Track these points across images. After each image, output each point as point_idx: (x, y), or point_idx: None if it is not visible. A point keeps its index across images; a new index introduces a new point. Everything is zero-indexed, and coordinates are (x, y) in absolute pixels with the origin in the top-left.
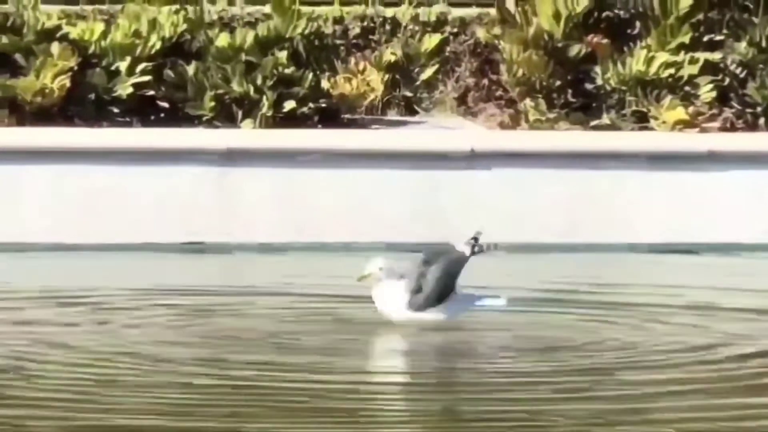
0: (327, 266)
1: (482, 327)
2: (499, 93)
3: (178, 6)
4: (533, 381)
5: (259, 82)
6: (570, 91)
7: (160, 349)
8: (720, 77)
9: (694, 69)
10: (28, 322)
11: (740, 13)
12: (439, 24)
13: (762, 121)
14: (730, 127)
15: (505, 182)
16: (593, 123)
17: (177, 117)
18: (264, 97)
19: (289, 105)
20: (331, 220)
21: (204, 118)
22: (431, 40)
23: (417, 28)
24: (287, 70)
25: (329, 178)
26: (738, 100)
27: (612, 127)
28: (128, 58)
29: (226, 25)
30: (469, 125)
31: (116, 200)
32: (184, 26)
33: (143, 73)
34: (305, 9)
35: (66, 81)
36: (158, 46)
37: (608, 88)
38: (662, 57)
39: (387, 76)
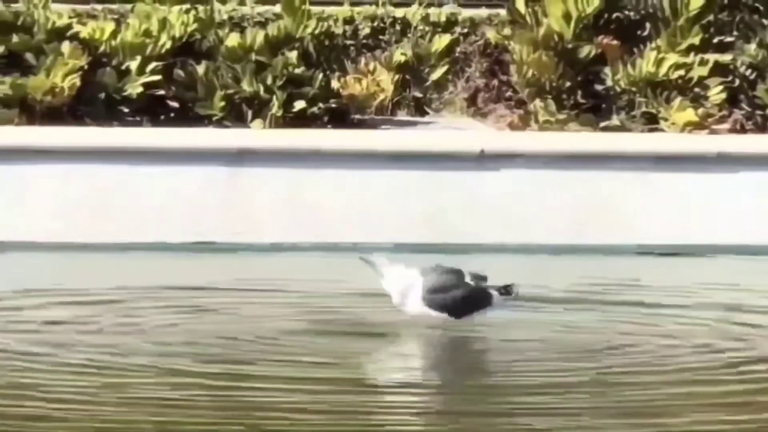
0: (336, 266)
1: (497, 326)
2: (508, 94)
3: (188, 6)
4: (556, 383)
5: (269, 82)
6: (580, 92)
7: (166, 349)
8: (730, 79)
9: (704, 71)
10: (36, 320)
11: (750, 15)
12: (450, 24)
13: None
14: (739, 129)
15: (514, 183)
16: (603, 124)
17: (187, 117)
18: (274, 97)
19: (299, 105)
20: (341, 221)
21: (214, 118)
22: (441, 41)
23: (427, 28)
24: (297, 70)
25: (339, 179)
26: (748, 102)
27: (622, 128)
28: (138, 58)
29: (237, 24)
30: (478, 126)
31: (126, 200)
32: (195, 26)
33: (153, 72)
34: (315, 9)
35: (76, 80)
36: (168, 45)
37: (618, 89)
38: (672, 58)
39: (397, 77)
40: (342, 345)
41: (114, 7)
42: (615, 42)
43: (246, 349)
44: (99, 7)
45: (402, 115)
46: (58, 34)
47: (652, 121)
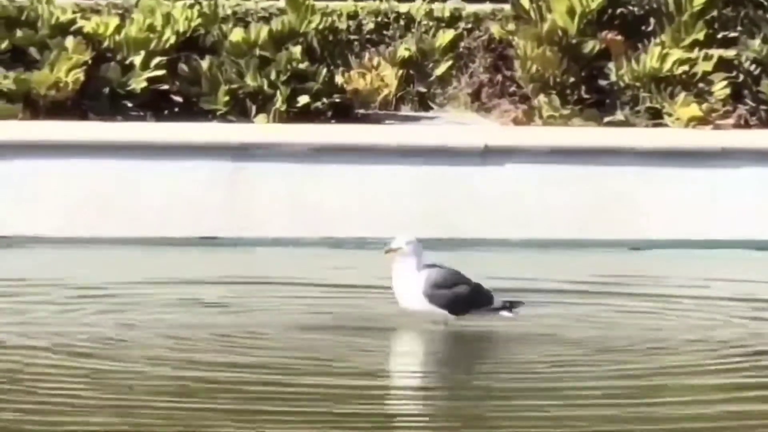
0: (339, 261)
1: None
2: (512, 89)
3: (192, 0)
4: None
5: (273, 77)
6: (584, 87)
7: (168, 342)
8: (734, 74)
9: (708, 66)
10: (37, 312)
11: (754, 10)
12: (453, 20)
13: None
14: (743, 124)
15: (518, 178)
16: (607, 119)
17: (191, 111)
18: (278, 92)
19: (303, 100)
20: (344, 216)
21: (218, 113)
22: (445, 36)
23: (431, 23)
24: (301, 65)
25: (342, 173)
26: (752, 97)
27: (626, 123)
28: (142, 53)
29: (241, 19)
30: (482, 121)
31: (130, 194)
32: (199, 21)
33: (157, 67)
34: (319, 4)
35: (80, 75)
36: (172, 40)
37: (622, 84)
38: (676, 54)
39: (401, 72)
40: (345, 339)
41: (118, 1)
42: (619, 37)
43: (249, 344)
44: (103, 1)
45: (406, 110)
46: (62, 29)
47: (656, 117)
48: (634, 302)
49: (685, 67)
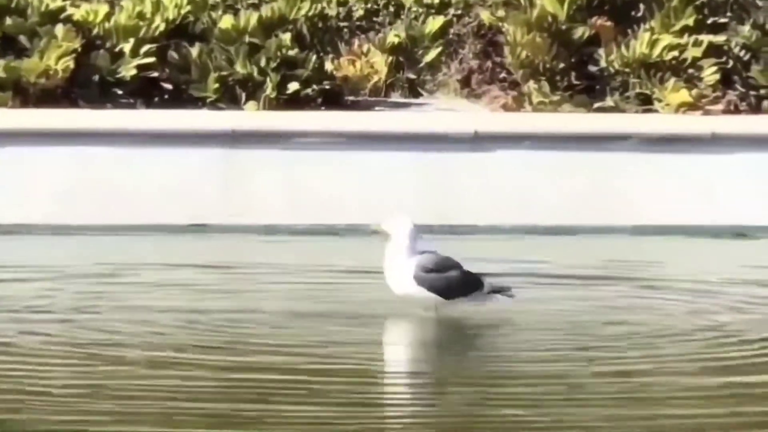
0: (331, 248)
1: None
2: (502, 75)
3: None
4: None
5: (262, 63)
6: (574, 73)
7: (156, 329)
8: (724, 60)
9: (698, 51)
10: (22, 299)
11: None
12: (443, 6)
13: (766, 103)
14: (733, 110)
15: (508, 164)
16: (597, 105)
17: (181, 99)
18: (268, 79)
19: (293, 87)
20: (335, 202)
21: (208, 100)
22: (435, 22)
23: (420, 10)
24: (291, 52)
25: (332, 160)
26: (742, 83)
27: (616, 109)
28: (132, 40)
29: (230, 6)
30: (472, 107)
31: (120, 182)
32: (188, 8)
33: (147, 54)
34: None
35: (70, 62)
36: (162, 27)
37: (612, 70)
38: (666, 39)
39: (390, 58)
40: (337, 326)
41: None
42: (609, 23)
43: (241, 332)
44: None
45: (396, 97)
46: (52, 16)
47: (646, 102)
48: (626, 287)
49: (675, 53)
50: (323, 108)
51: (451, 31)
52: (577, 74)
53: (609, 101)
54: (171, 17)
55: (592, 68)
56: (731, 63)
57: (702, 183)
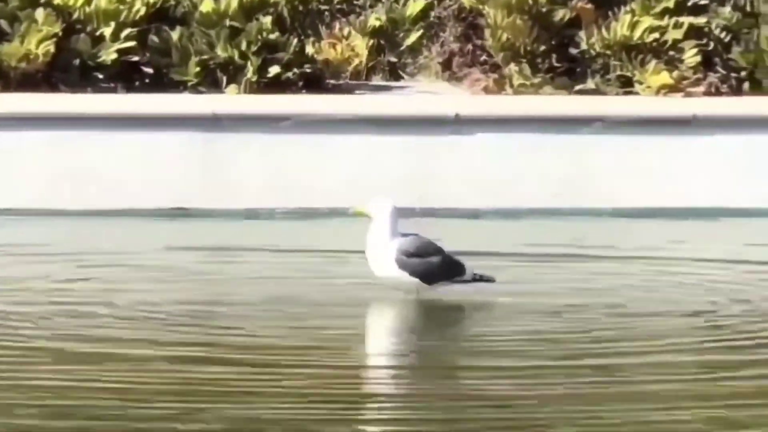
0: (313, 231)
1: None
2: (483, 58)
3: None
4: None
5: (243, 47)
6: (554, 56)
7: (142, 312)
8: (704, 42)
9: (679, 33)
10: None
11: None
12: None
13: (746, 85)
14: (714, 92)
15: (489, 147)
16: (578, 88)
17: (162, 83)
18: (248, 63)
19: (274, 70)
20: (316, 186)
21: (189, 84)
22: (415, 5)
23: None
24: (272, 36)
25: (314, 144)
26: (722, 65)
27: (597, 91)
28: (113, 24)
29: None
30: (453, 90)
31: (101, 166)
32: None
33: (128, 38)
34: None
35: (50, 47)
36: (143, 11)
37: (593, 52)
38: (647, 21)
39: (371, 42)
40: (319, 311)
41: None
42: (589, 5)
43: (223, 318)
44: None
45: (377, 80)
46: (32, 1)
47: (626, 85)
48: (612, 268)
49: (656, 35)
50: (304, 91)
51: (432, 14)
52: (557, 57)
53: (590, 83)
54: (151, 1)
55: (573, 51)
56: (712, 45)
57: (683, 165)
